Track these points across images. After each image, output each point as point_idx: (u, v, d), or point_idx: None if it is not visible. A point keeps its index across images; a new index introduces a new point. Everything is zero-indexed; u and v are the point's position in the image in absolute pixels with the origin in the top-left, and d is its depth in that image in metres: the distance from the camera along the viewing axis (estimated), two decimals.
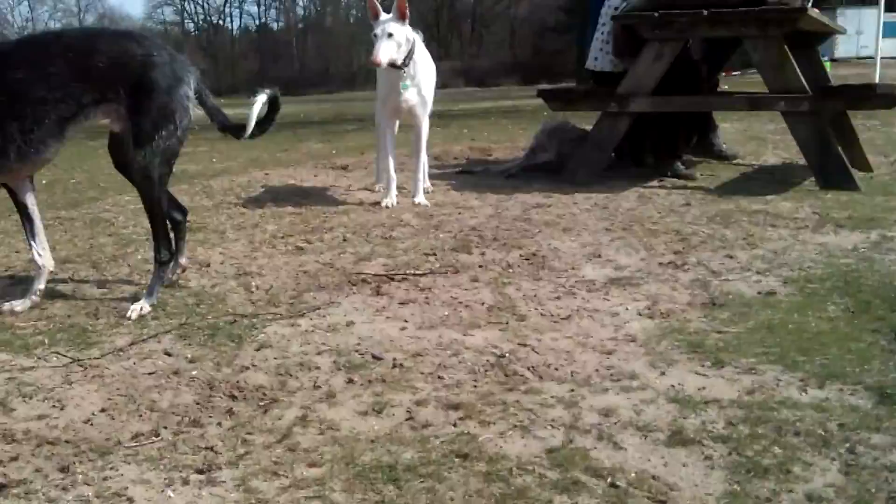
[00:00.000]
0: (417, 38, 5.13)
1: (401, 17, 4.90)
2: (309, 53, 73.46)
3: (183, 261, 3.52)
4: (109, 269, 3.78)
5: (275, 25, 77.21)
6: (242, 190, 6.08)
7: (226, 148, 9.92)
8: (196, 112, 3.18)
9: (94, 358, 2.61)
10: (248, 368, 2.51)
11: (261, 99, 3.33)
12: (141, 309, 3.08)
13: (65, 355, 2.64)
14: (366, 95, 47.94)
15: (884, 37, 14.39)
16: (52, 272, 3.35)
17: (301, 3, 78.25)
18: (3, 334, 2.86)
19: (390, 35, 4.84)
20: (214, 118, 3.34)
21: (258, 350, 2.66)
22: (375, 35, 4.88)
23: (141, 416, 2.18)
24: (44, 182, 7.12)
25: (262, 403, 2.26)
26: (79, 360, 2.58)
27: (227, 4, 75.34)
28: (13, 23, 69.07)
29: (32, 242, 3.29)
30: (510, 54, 69.34)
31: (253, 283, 3.48)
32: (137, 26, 72.60)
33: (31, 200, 3.26)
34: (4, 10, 67.94)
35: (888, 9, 15.91)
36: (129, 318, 3.02)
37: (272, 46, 77.88)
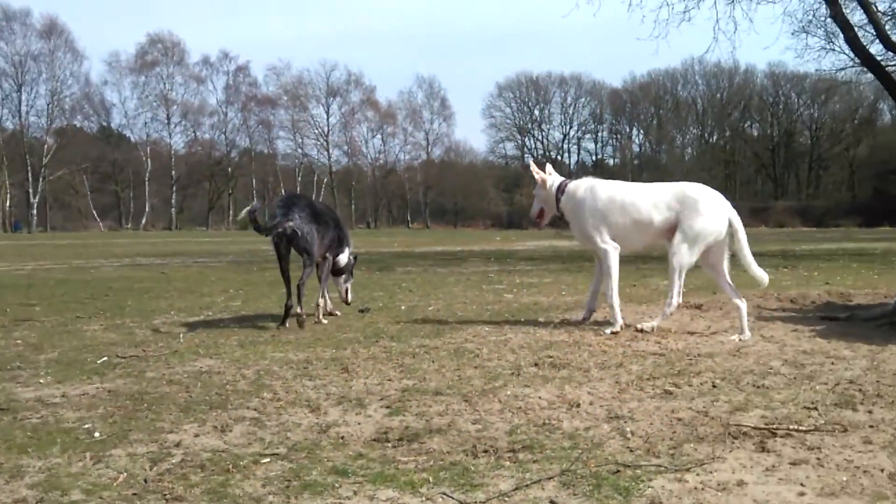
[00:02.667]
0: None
1: None
2: None
3: None
4: (481, 403, 3.84)
5: (611, 161, 78.93)
6: (600, 326, 6.04)
7: (572, 280, 10.09)
8: None
9: (480, 502, 2.58)
10: None
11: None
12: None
13: (451, 496, 2.63)
14: None
15: None
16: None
17: (637, 141, 79.68)
18: (387, 468, 2.93)
19: None
20: None
21: None
22: None
23: None
24: (403, 308, 7.67)
25: None
26: None
27: (565, 141, 78.97)
28: (367, 154, 77.85)
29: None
30: (848, 196, 65.52)
31: (627, 429, 3.33)
32: (480, 160, 77.97)
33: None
34: (360, 141, 76.72)
35: None
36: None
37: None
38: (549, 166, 6.64)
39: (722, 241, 5.87)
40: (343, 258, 7.25)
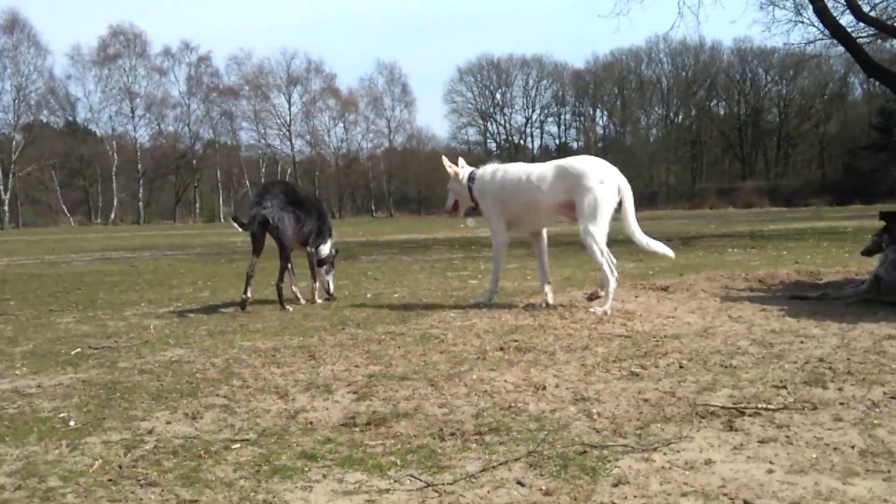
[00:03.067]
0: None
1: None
2: None
3: None
4: (447, 387, 3.85)
5: (574, 144, 78.59)
6: (566, 309, 6.07)
7: (538, 266, 10.10)
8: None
9: (448, 483, 2.60)
10: None
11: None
12: None
13: (418, 478, 2.65)
14: (667, 214, 47.38)
15: None
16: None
17: (601, 123, 79.41)
18: (355, 452, 2.95)
19: None
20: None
21: (616, 486, 2.52)
22: None
23: None
24: (368, 296, 7.67)
25: None
26: (433, 485, 2.59)
27: (528, 125, 78.83)
28: (329, 143, 77.02)
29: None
30: (818, 174, 65.69)
31: (594, 410, 3.36)
32: (443, 146, 77.43)
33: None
34: (322, 130, 75.84)
35: None
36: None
37: None
38: (461, 160, 6.88)
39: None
40: (325, 249, 7.44)
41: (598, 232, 5.93)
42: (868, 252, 6.43)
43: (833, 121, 68.58)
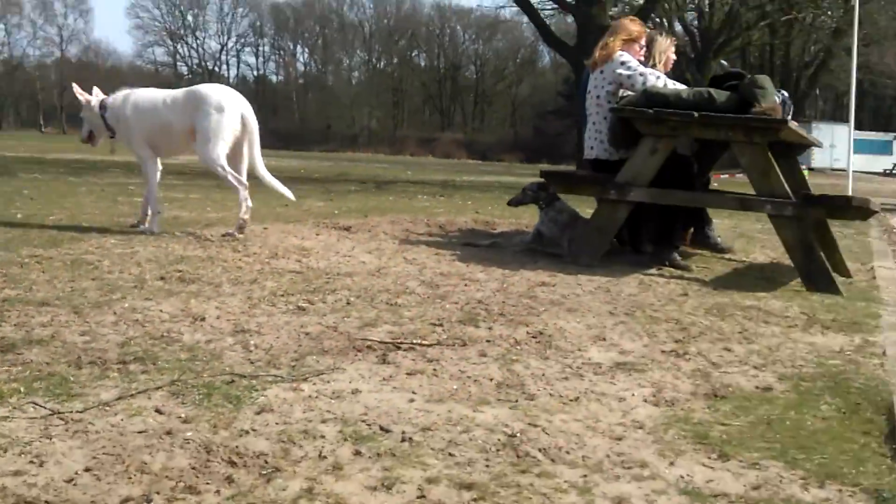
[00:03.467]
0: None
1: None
2: (310, 110, 73.30)
3: None
4: (93, 315, 3.56)
5: (274, 77, 76.92)
6: (239, 243, 5.88)
7: (221, 198, 9.77)
8: None
9: (77, 411, 2.41)
10: (247, 433, 2.32)
11: None
12: None
13: (43, 406, 2.44)
14: (368, 157, 48.23)
15: (854, 152, 16.10)
16: None
17: (302, 60, 78.41)
18: None
19: None
20: None
21: (258, 414, 2.48)
22: None
23: (130, 478, 1.99)
24: (19, 216, 6.94)
25: (263, 472, 2.09)
26: (59, 413, 2.39)
27: (223, 52, 75.81)
28: None
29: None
30: (511, 132, 70.49)
31: (251, 342, 3.27)
32: (126, 64, 72.04)
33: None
34: None
35: (857, 126, 18.40)
36: None
37: (271, 99, 76.84)
38: (95, 88, 6.57)
39: (240, 141, 6.19)
40: None
41: (218, 152, 6.00)
42: (514, 203, 6.91)
43: (525, 84, 73.41)
